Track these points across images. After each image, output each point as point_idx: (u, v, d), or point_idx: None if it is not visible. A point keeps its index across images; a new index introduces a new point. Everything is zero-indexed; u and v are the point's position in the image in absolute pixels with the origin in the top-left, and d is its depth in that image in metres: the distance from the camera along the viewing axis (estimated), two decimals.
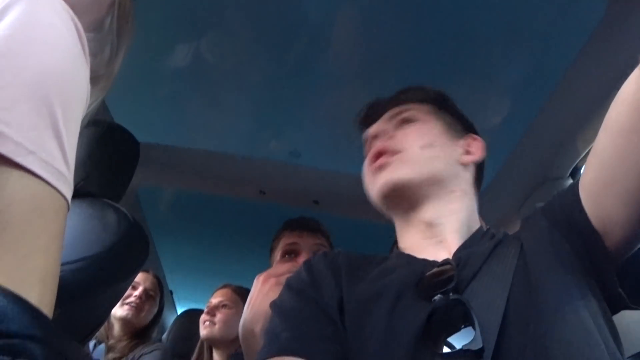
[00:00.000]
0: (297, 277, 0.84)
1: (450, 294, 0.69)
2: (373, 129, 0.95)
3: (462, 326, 0.62)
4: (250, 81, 1.63)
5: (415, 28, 1.34)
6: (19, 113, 0.50)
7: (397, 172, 0.85)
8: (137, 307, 2.06)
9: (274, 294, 1.06)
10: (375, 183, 0.88)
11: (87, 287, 0.92)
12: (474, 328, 0.61)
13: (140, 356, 1.96)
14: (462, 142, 0.94)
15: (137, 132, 1.41)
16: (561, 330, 0.61)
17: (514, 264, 0.72)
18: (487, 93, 1.49)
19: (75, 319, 0.96)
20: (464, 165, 0.92)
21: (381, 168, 0.87)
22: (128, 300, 2.04)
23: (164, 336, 2.64)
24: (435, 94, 1.02)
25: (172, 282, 2.85)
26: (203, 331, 1.94)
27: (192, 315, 2.55)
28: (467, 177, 0.92)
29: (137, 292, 2.08)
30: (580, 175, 0.72)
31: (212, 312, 1.97)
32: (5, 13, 0.55)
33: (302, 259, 1.38)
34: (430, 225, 0.85)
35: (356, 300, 0.76)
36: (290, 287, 0.83)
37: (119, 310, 2.02)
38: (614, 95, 0.66)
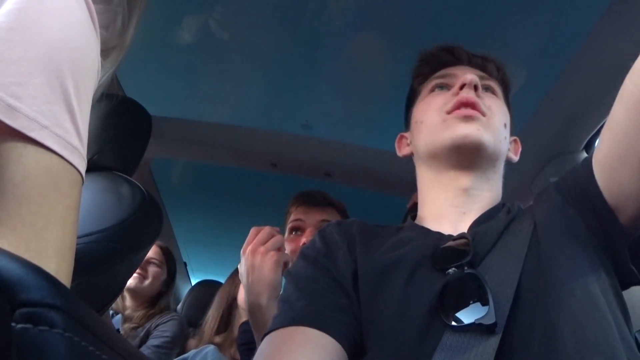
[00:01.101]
0: (312, 246, 0.85)
1: (465, 268, 0.69)
2: (471, 76, 0.87)
3: (476, 300, 0.62)
4: (262, 53, 1.62)
5: None
6: (31, 87, 0.51)
7: (485, 133, 0.83)
8: (140, 276, 2.08)
9: (268, 263, 1.09)
10: (454, 129, 0.84)
11: (103, 259, 0.94)
12: (487, 303, 0.61)
13: (156, 326, 1.99)
14: (511, 140, 0.95)
15: (149, 106, 1.41)
16: (569, 305, 0.61)
17: (527, 239, 0.72)
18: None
19: (92, 289, 0.98)
20: (507, 159, 0.93)
21: (470, 120, 0.84)
22: None
23: (179, 306, 2.68)
24: (505, 77, 1.00)
25: (186, 254, 2.89)
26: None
27: (207, 286, 2.58)
28: (502, 164, 0.92)
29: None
30: (594, 149, 0.71)
31: None
32: None
33: (307, 235, 1.38)
34: (464, 193, 0.85)
35: (371, 270, 0.76)
36: (305, 256, 0.83)
37: None
38: (630, 67, 0.65)
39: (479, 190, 0.86)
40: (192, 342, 2.05)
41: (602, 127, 1.32)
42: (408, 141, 1.00)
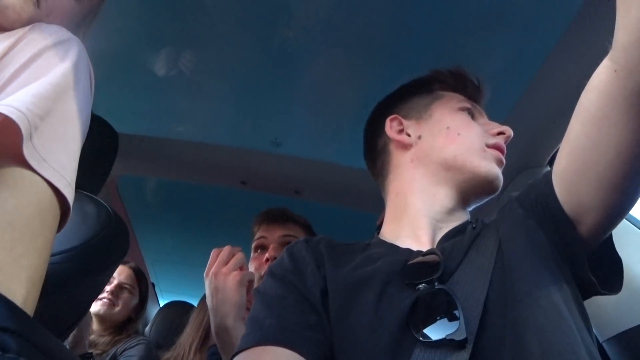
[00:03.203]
0: (280, 263, 0.85)
1: (436, 284, 0.69)
2: (509, 132, 0.95)
3: (445, 316, 0.63)
4: (231, 70, 1.61)
5: (397, 15, 1.33)
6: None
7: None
8: (110, 302, 2.03)
9: (232, 284, 1.10)
10: (492, 165, 0.89)
11: (66, 280, 0.91)
12: (457, 318, 0.62)
13: (123, 350, 1.94)
14: None
15: (116, 123, 1.39)
16: (535, 316, 0.62)
17: (493, 254, 0.73)
18: None
19: (55, 312, 0.96)
20: None
21: (501, 164, 0.92)
22: (101, 296, 2.02)
23: (147, 328, 2.62)
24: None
25: (154, 274, 2.83)
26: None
27: (176, 307, 2.54)
28: None
29: (109, 287, 2.04)
30: (555, 163, 0.74)
31: None
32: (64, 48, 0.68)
33: (270, 252, 1.38)
34: (448, 212, 0.89)
35: (342, 287, 0.76)
36: (273, 273, 0.83)
37: (94, 306, 2.00)
38: None
39: (460, 213, 0.90)
40: None
41: None
42: (408, 130, 0.98)
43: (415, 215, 0.89)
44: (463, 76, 1.04)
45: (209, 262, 1.18)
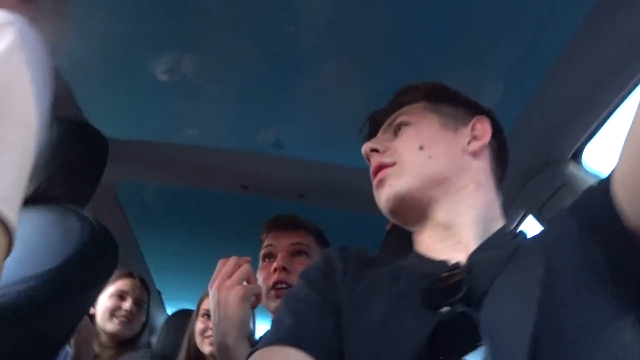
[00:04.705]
0: (312, 266, 0.82)
1: (458, 306, 0.60)
2: (367, 145, 0.88)
3: (472, 348, 0.53)
4: (231, 71, 1.53)
5: (405, 13, 1.24)
6: None
7: (396, 185, 0.81)
8: (127, 321, 1.94)
9: (234, 299, 1.02)
10: (380, 200, 0.85)
11: (42, 306, 0.82)
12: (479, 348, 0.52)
13: None
14: (467, 130, 0.86)
15: (111, 128, 1.32)
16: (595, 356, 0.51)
17: (539, 275, 0.60)
18: (479, 78, 1.39)
19: (32, 340, 0.87)
20: (474, 154, 0.84)
21: (381, 184, 0.83)
22: (118, 314, 1.93)
23: (154, 339, 2.55)
24: (426, 88, 0.94)
25: (159, 282, 2.75)
26: (211, 347, 1.80)
27: (184, 316, 2.46)
28: (480, 167, 0.84)
29: (127, 305, 1.95)
30: (614, 167, 0.59)
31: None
32: None
33: (278, 261, 1.30)
34: (446, 227, 0.78)
35: (356, 296, 0.72)
36: (304, 276, 0.80)
37: (109, 324, 1.91)
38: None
39: (459, 217, 0.78)
40: None
41: (590, 134, 1.27)
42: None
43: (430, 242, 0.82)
44: (362, 135, 1.03)
45: (214, 274, 1.10)
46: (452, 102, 0.91)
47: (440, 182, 0.79)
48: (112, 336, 1.93)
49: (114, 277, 2.01)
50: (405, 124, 0.88)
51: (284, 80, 1.50)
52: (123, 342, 1.95)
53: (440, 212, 0.79)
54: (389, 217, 0.85)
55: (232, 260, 1.09)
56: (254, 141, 1.66)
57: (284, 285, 1.27)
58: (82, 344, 1.65)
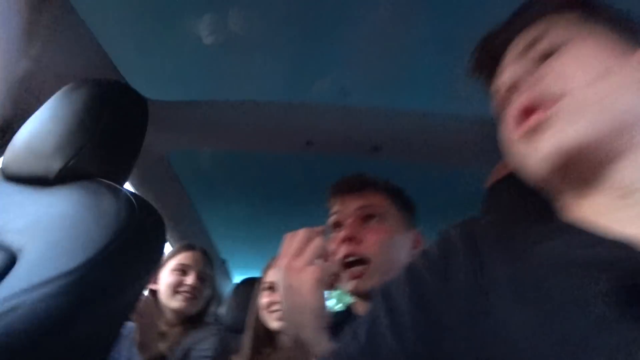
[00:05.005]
0: (426, 252, 0.61)
1: None
2: (505, 77, 0.64)
3: None
4: (284, 15, 1.30)
5: None
6: None
7: (569, 129, 0.54)
8: (192, 297, 1.81)
9: (307, 283, 0.83)
10: (534, 152, 0.57)
11: (63, 318, 0.64)
12: None
13: (195, 343, 1.73)
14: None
15: (157, 90, 1.22)
16: None
17: None
18: None
19: (77, 349, 0.70)
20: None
21: (539, 129, 0.56)
22: (181, 289, 1.80)
23: (221, 310, 2.43)
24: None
25: (224, 251, 2.62)
26: (277, 323, 1.66)
27: (251, 284, 2.32)
28: None
29: (190, 280, 1.82)
30: None
31: None
32: None
33: (346, 230, 1.09)
34: (628, 191, 0.52)
35: (500, 299, 0.49)
36: (408, 273, 0.60)
37: (172, 301, 1.79)
38: None
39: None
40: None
41: None
42: None
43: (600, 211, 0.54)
44: (474, 63, 0.75)
45: (281, 251, 0.89)
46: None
47: (627, 128, 0.53)
48: (177, 313, 1.80)
49: (174, 251, 1.88)
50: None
51: (342, 21, 1.27)
52: (189, 319, 1.83)
53: (625, 172, 0.53)
54: (546, 176, 0.57)
55: (301, 233, 0.89)
56: (315, 92, 1.43)
57: (352, 259, 1.07)
58: (146, 326, 1.52)
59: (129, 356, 1.70)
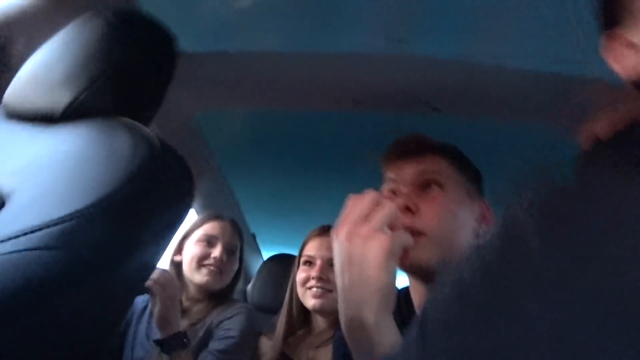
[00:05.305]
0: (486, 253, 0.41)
1: None
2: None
3: None
4: None
5: None
6: None
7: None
8: (218, 271, 1.66)
9: (375, 253, 0.71)
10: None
11: (63, 272, 0.49)
12: None
13: (220, 322, 1.59)
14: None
15: (187, 40, 0.99)
16: None
17: None
18: None
19: (69, 321, 0.54)
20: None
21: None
22: (207, 262, 1.65)
23: (249, 287, 2.29)
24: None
25: (254, 224, 2.46)
26: (314, 301, 1.52)
27: (282, 261, 2.19)
28: None
29: (216, 252, 1.66)
30: None
31: (323, 275, 1.53)
32: None
33: (403, 199, 0.93)
34: None
35: None
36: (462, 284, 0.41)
37: (197, 274, 1.64)
38: None
39: None
40: (265, 341, 1.64)
41: None
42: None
43: None
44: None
45: (342, 215, 0.77)
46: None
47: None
48: (201, 288, 1.66)
49: (200, 220, 1.73)
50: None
51: None
52: (214, 295, 1.68)
53: None
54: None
55: (370, 195, 0.76)
56: (366, 39, 1.24)
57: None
58: (167, 300, 1.37)
59: (147, 332, 1.58)
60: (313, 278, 1.54)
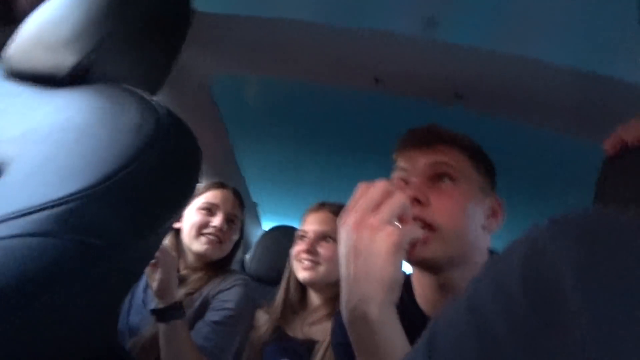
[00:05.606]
0: (500, 281, 0.38)
1: None
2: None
3: None
4: None
5: None
6: None
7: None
8: (218, 240, 1.62)
9: (383, 245, 0.68)
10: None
11: (63, 257, 0.45)
12: None
13: (217, 293, 1.56)
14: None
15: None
16: None
17: None
18: None
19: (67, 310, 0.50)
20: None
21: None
22: (206, 231, 1.61)
23: (247, 257, 2.27)
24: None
25: (256, 193, 2.42)
26: (303, 273, 1.53)
27: (282, 232, 2.17)
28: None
29: (216, 221, 1.62)
30: None
31: (312, 248, 1.53)
32: None
33: (413, 190, 0.90)
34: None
35: None
36: (475, 307, 0.38)
37: (195, 243, 1.60)
38: None
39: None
40: (261, 314, 1.62)
41: None
42: None
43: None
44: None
45: (350, 203, 0.75)
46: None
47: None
48: (200, 257, 1.62)
49: (202, 188, 1.68)
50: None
51: None
52: (212, 265, 1.65)
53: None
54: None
55: (381, 184, 0.73)
56: (392, 18, 1.18)
57: (419, 225, 0.88)
58: (166, 272, 1.34)
59: (144, 299, 1.55)
60: (303, 251, 1.55)
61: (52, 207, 0.46)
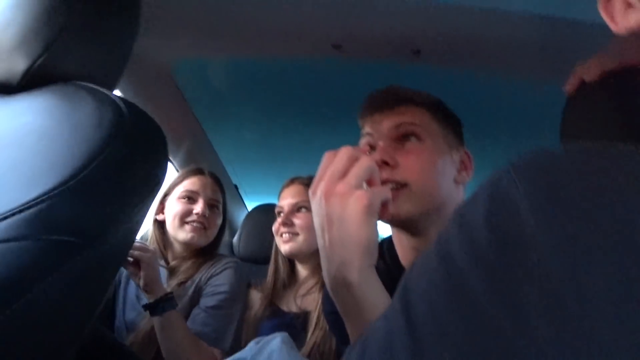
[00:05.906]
0: (468, 227, 0.37)
1: None
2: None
3: None
4: None
5: None
6: None
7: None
8: (202, 227, 1.62)
9: (354, 210, 0.68)
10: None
11: (40, 259, 0.45)
12: None
13: (209, 278, 1.57)
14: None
15: None
16: None
17: None
18: None
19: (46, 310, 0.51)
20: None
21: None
22: (189, 219, 1.61)
23: (235, 239, 2.28)
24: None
25: (235, 175, 2.42)
26: (284, 246, 1.56)
27: (266, 211, 2.18)
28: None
29: (198, 208, 1.62)
30: None
31: (288, 221, 1.55)
32: None
33: (379, 154, 0.91)
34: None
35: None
36: (446, 256, 0.37)
37: (180, 232, 1.61)
38: None
39: None
40: (254, 293, 1.64)
41: None
42: None
43: None
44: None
45: (317, 173, 0.74)
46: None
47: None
48: (186, 245, 1.63)
49: (180, 177, 1.68)
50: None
51: None
52: (200, 251, 1.66)
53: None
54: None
55: (345, 151, 0.72)
56: None
57: (390, 186, 0.89)
58: (148, 266, 1.34)
59: (137, 293, 1.56)
60: (280, 225, 1.59)
61: (22, 210, 0.46)
